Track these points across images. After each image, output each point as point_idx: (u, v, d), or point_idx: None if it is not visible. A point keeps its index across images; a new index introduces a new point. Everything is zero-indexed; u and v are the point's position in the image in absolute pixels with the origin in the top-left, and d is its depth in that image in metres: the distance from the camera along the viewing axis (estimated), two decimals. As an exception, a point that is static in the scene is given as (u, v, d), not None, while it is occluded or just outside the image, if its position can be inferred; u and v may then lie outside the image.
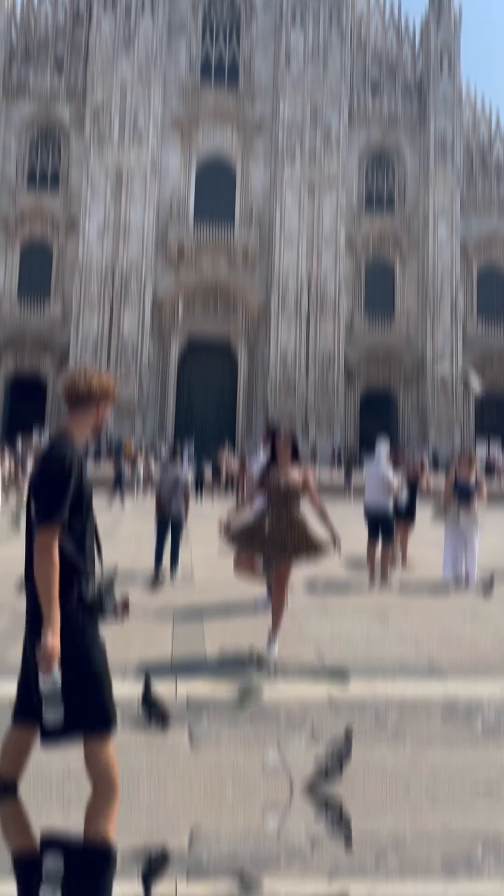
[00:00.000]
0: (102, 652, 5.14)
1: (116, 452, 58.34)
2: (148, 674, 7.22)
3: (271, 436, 10.50)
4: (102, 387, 5.31)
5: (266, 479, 10.09)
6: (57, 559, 4.85)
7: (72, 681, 4.92)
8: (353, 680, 8.76)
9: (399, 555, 18.00)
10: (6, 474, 24.96)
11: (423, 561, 18.59)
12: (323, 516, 10.03)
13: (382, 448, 16.94)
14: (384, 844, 5.33)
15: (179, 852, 5.05)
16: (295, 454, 10.18)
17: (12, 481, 25.03)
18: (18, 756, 5.29)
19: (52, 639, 4.83)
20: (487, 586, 14.31)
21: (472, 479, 16.40)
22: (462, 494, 16.24)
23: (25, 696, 5.18)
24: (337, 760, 6.02)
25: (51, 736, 5.03)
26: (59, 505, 4.90)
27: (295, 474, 9.98)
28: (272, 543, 9.70)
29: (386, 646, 10.47)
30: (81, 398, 5.29)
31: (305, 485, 9.97)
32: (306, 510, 10.19)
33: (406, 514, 18.39)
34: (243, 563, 10.35)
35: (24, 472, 24.55)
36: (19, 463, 24.89)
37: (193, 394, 66.65)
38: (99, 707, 5.07)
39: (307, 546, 9.73)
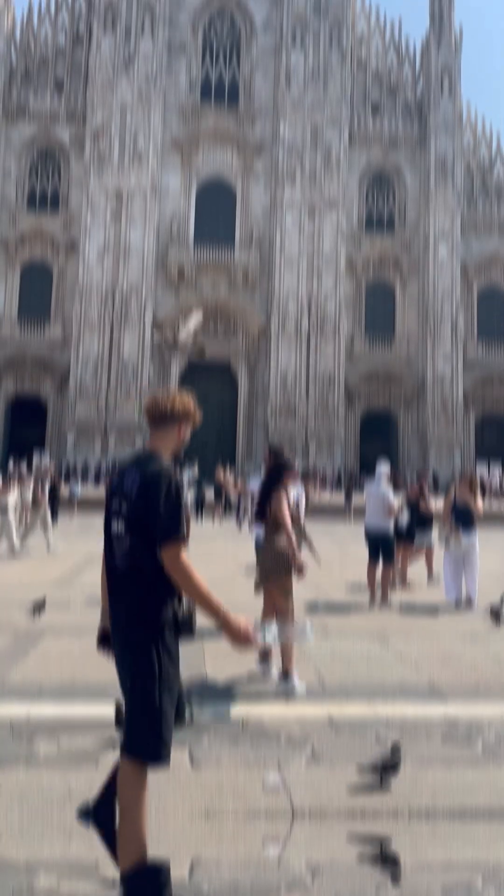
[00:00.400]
0: (177, 675, 5.16)
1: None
2: (119, 700, 7.24)
3: (273, 456, 10.49)
4: (184, 407, 5.46)
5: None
6: (192, 567, 4.91)
7: (142, 698, 4.94)
8: (353, 701, 8.76)
9: (399, 576, 18.02)
10: (24, 497, 25.08)
11: (423, 581, 18.62)
12: (304, 536, 10.29)
13: (383, 469, 16.96)
14: (384, 874, 5.34)
15: (180, 880, 5.04)
16: (275, 481, 10.03)
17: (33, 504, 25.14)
18: None
19: (234, 624, 5.00)
20: (496, 614, 14.03)
21: (474, 501, 16.40)
22: (460, 516, 16.26)
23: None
24: (386, 774, 6.05)
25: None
26: (180, 520, 4.98)
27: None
28: (260, 572, 9.97)
29: (386, 667, 10.46)
30: (164, 418, 5.41)
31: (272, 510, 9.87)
32: (314, 531, 10.51)
33: (406, 536, 18.39)
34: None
35: (44, 494, 24.57)
36: (40, 485, 24.92)
37: (194, 416, 66.74)
38: (153, 739, 4.92)
39: (277, 567, 9.70)
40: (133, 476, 5.08)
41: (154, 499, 4.93)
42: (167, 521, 4.90)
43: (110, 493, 5.17)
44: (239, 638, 4.97)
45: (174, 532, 4.90)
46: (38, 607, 12.20)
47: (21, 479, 26.19)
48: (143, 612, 4.95)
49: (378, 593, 15.83)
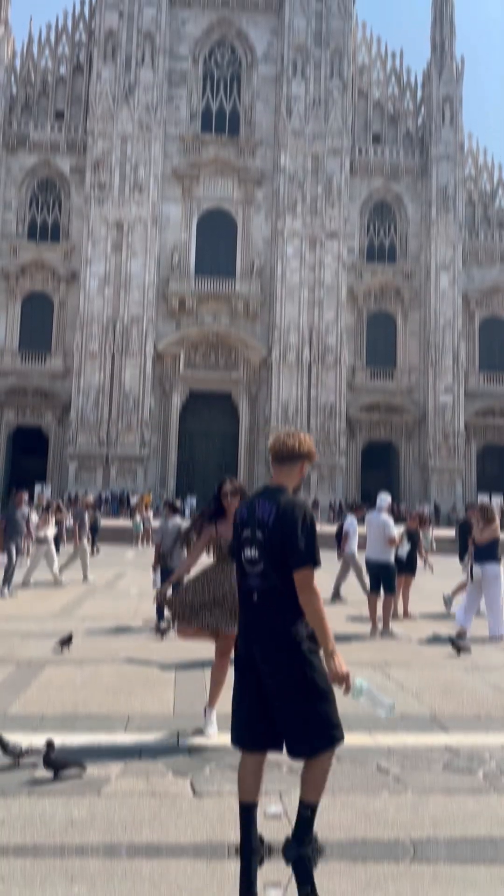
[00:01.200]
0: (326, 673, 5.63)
1: (121, 503, 58.45)
2: (50, 740, 7.27)
3: (217, 487, 9.27)
4: (308, 447, 5.95)
5: (205, 535, 9.24)
6: (319, 593, 5.50)
7: (307, 700, 5.52)
8: (354, 730, 8.77)
9: (402, 607, 18.04)
10: (62, 529, 25.35)
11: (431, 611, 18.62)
12: None
13: (384, 500, 17.01)
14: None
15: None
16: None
17: (71, 537, 25.28)
18: (258, 780, 5.67)
19: (338, 661, 5.58)
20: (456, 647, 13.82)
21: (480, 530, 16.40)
22: (478, 548, 16.27)
23: (263, 727, 5.64)
24: None
25: (301, 753, 5.61)
26: (316, 548, 5.51)
27: None
28: (220, 609, 8.74)
29: (388, 696, 10.47)
30: (291, 457, 5.90)
31: None
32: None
33: (406, 567, 18.37)
34: (190, 633, 9.04)
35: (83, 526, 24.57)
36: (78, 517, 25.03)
37: (195, 445, 66.82)
38: (333, 724, 5.64)
39: None
40: (267, 508, 5.62)
41: (291, 528, 5.47)
42: (304, 549, 5.44)
43: (240, 524, 5.76)
44: (338, 677, 5.55)
45: (310, 559, 5.45)
46: (65, 642, 12.43)
47: (59, 511, 26.37)
48: (281, 627, 5.50)
49: (379, 624, 15.84)
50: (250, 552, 5.60)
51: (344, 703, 9.80)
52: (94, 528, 33.35)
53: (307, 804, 5.57)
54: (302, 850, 5.37)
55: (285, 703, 5.54)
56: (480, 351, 71.13)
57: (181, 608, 8.73)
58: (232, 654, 7.72)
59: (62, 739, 8.13)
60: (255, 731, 5.66)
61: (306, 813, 5.55)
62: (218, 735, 8.03)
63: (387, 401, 68.27)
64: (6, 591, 19.76)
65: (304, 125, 67.25)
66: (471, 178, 73.23)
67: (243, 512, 5.82)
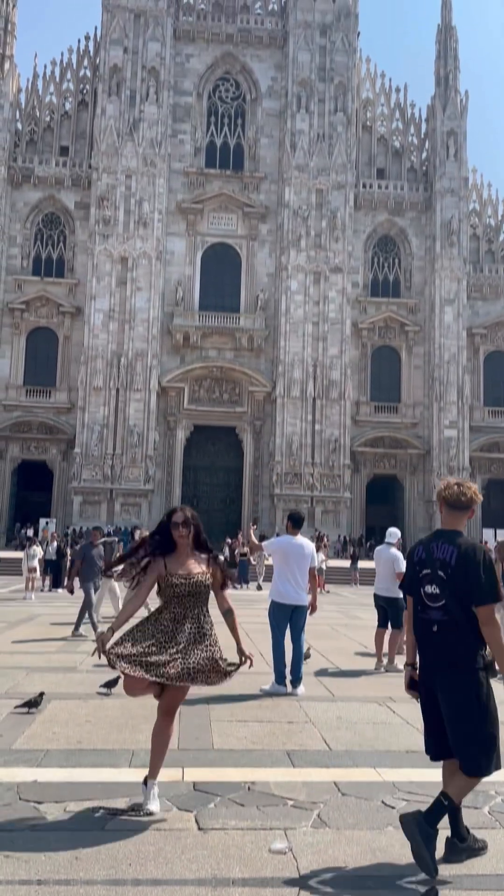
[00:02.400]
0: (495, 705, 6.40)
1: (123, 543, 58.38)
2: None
3: (167, 515, 7.79)
4: (476, 496, 6.57)
5: (152, 572, 7.61)
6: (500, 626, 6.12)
7: (480, 723, 6.26)
8: (359, 766, 8.74)
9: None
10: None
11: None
12: (230, 624, 7.77)
13: (394, 535, 17.00)
14: None
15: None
16: (199, 542, 7.71)
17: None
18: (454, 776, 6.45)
19: None
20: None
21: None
22: None
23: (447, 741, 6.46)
24: None
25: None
26: (498, 585, 6.19)
27: (199, 567, 7.54)
28: (168, 662, 7.30)
29: (392, 731, 10.42)
30: (464, 505, 6.54)
31: (215, 582, 7.64)
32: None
33: None
34: (140, 688, 7.55)
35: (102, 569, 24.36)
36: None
37: (199, 480, 66.89)
38: (498, 750, 6.40)
39: (214, 670, 7.42)
40: (448, 549, 6.32)
41: (474, 568, 6.18)
42: (487, 587, 6.14)
43: (418, 563, 6.51)
44: None
45: (493, 596, 6.13)
46: (32, 704, 10.95)
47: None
48: (463, 656, 6.20)
49: (384, 658, 15.80)
50: (431, 589, 6.31)
51: (351, 738, 9.81)
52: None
53: (447, 797, 6.28)
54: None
55: (459, 725, 6.26)
56: (485, 385, 71.19)
57: (126, 660, 7.28)
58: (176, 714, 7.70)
59: (67, 775, 8.11)
60: (441, 745, 6.50)
61: (443, 801, 6.26)
62: (160, 809, 7.45)
63: (391, 435, 68.34)
64: (80, 631, 19.27)
65: (309, 160, 67.63)
66: (475, 213, 73.52)
67: (420, 552, 6.55)
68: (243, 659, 7.69)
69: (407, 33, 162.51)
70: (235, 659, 7.67)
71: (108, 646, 7.30)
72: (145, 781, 7.24)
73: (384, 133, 73.03)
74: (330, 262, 66.88)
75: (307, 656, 16.09)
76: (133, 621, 7.59)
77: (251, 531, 17.43)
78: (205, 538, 7.78)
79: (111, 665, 7.31)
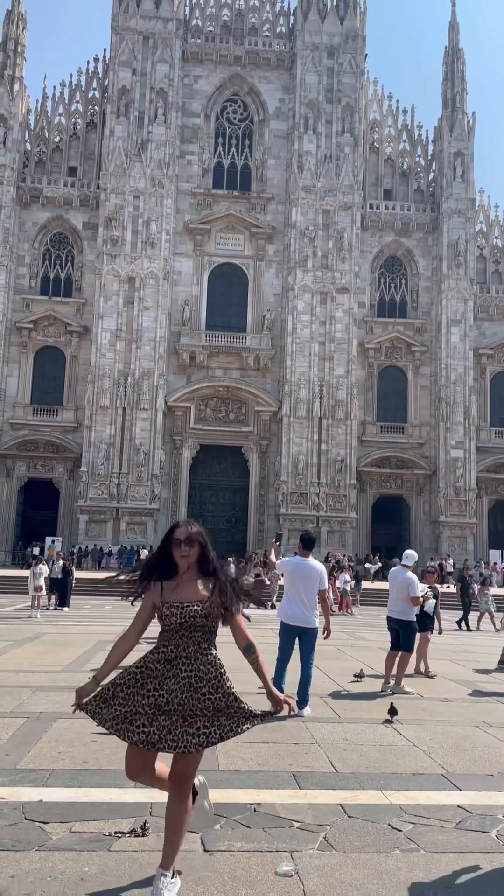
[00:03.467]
0: None
1: (128, 560, 58.38)
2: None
3: (169, 531, 6.54)
4: None
5: (147, 601, 6.36)
6: None
7: None
8: (365, 788, 8.71)
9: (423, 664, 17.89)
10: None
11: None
12: (252, 663, 6.46)
13: (410, 557, 16.93)
14: None
15: None
16: (206, 564, 6.33)
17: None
18: None
19: None
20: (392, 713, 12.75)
21: None
22: None
23: None
24: None
25: None
26: None
27: (200, 594, 6.16)
28: (167, 715, 5.92)
29: (399, 754, 10.39)
30: None
31: (227, 613, 6.20)
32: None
33: (429, 623, 18.23)
34: (138, 764, 6.16)
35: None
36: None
37: (205, 499, 66.88)
38: None
39: (238, 715, 6.04)
40: None
41: None
42: None
43: None
44: None
45: None
46: None
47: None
48: None
49: (392, 680, 15.75)
50: None
51: (357, 760, 9.77)
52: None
53: None
54: None
55: None
56: (492, 406, 71.14)
57: (110, 721, 5.97)
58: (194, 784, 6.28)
59: (72, 795, 8.09)
60: None
61: None
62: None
63: (397, 455, 68.27)
64: None
65: (316, 181, 67.82)
66: (482, 234, 73.60)
67: None
68: (276, 707, 6.35)
69: (414, 55, 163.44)
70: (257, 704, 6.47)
71: (85, 700, 6.08)
72: (159, 876, 5.75)
73: (391, 154, 73.25)
74: (336, 283, 66.98)
75: (361, 677, 16.19)
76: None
77: (273, 548, 17.27)
78: (212, 559, 6.37)
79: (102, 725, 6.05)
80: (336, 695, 14.84)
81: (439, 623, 19.00)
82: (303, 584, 13.33)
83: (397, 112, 74.18)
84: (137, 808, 7.66)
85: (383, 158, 72.94)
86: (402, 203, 71.37)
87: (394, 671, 15.89)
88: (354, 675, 16.66)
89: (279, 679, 13.13)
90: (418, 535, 67.61)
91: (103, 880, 6.09)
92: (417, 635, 17.87)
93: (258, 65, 70.87)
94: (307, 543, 13.79)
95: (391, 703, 12.05)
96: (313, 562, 13.55)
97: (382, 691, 15.39)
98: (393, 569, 17.18)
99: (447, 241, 69.25)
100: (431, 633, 18.54)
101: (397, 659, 15.96)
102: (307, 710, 12.84)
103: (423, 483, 68.51)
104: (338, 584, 39.63)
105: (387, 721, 12.08)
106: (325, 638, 13.65)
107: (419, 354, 69.58)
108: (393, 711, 11.89)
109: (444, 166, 70.68)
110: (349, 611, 39.40)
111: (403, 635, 16.01)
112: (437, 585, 19.47)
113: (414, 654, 17.33)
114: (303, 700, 12.96)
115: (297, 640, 13.37)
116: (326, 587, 13.63)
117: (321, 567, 13.59)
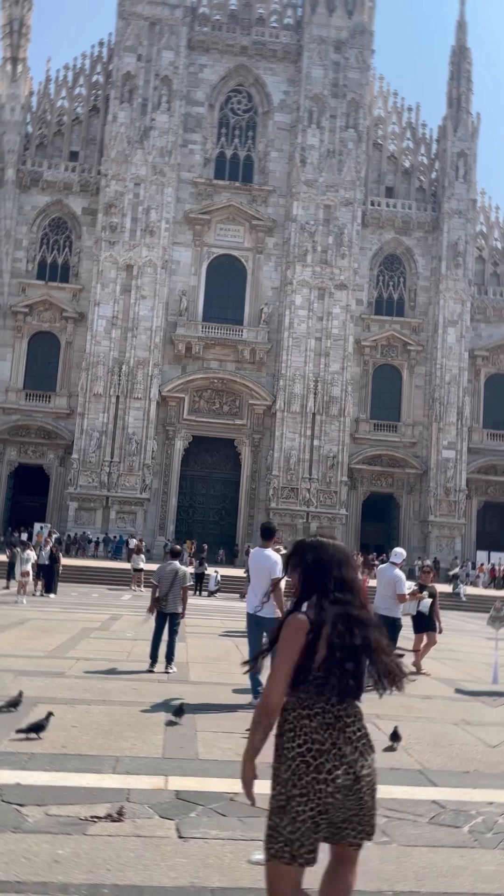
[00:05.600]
0: None
1: (116, 549, 58.36)
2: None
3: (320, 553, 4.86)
4: None
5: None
6: None
7: None
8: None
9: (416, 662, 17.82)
10: None
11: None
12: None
13: (399, 555, 17.05)
14: None
15: None
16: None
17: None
18: None
19: None
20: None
21: None
22: None
23: None
24: None
25: None
26: None
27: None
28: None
29: (377, 749, 10.43)
30: None
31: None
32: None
33: (429, 623, 18.14)
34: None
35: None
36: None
37: (196, 490, 66.82)
38: None
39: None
40: None
41: None
42: None
43: None
44: None
45: None
46: (12, 704, 11.15)
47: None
48: None
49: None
50: None
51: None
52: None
53: None
54: None
55: None
56: (485, 408, 71.04)
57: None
58: None
59: (50, 779, 8.13)
60: None
61: None
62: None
63: (389, 454, 68.26)
64: None
65: (318, 175, 67.55)
66: (482, 235, 73.48)
67: None
68: None
69: (421, 53, 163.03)
70: None
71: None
72: None
73: (394, 151, 72.99)
74: (335, 279, 66.85)
75: None
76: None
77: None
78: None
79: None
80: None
81: (439, 622, 18.91)
82: (257, 574, 13.52)
83: (402, 109, 73.95)
84: (115, 793, 7.69)
85: (386, 155, 72.73)
86: (404, 201, 71.17)
87: None
88: None
89: (253, 677, 13.04)
90: (407, 533, 67.64)
91: (77, 863, 6.12)
92: (424, 635, 17.94)
93: (264, 56, 70.49)
94: (264, 533, 13.98)
95: (395, 727, 11.48)
96: (268, 552, 13.62)
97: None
98: (381, 566, 17.26)
99: (447, 241, 69.14)
100: (437, 633, 18.47)
101: None
102: None
103: (414, 482, 68.52)
104: None
105: (388, 748, 10.87)
106: None
107: (415, 354, 69.47)
108: (396, 737, 10.92)
109: (446, 166, 70.50)
110: None
111: (389, 632, 16.03)
112: (435, 584, 19.49)
113: (417, 652, 17.39)
114: (257, 692, 12.91)
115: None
116: (279, 576, 13.50)
117: (275, 557, 13.60)
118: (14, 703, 10.95)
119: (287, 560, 4.90)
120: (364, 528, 68.06)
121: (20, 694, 11.23)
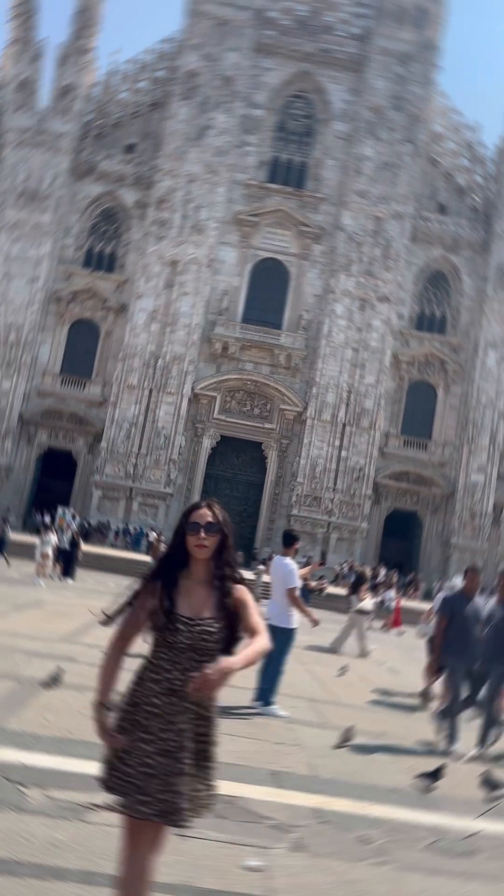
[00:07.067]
0: None
1: (135, 540, 58.53)
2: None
3: (185, 514, 5.07)
4: None
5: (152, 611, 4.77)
6: None
7: None
8: (342, 796, 8.74)
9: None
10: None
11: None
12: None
13: (457, 583, 17.01)
14: None
15: None
16: (221, 559, 4.90)
17: None
18: None
19: None
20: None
21: None
22: None
23: None
24: None
25: None
26: None
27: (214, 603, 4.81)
28: (153, 778, 4.66)
29: (380, 767, 10.41)
30: None
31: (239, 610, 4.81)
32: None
33: None
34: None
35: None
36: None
37: (219, 490, 66.61)
38: None
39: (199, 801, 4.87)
40: None
41: None
42: None
43: None
44: None
45: None
46: (54, 679, 11.73)
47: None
48: None
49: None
50: None
51: (338, 768, 9.80)
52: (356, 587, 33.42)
53: None
54: None
55: None
56: (519, 433, 70.28)
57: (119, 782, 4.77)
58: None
59: (54, 762, 8.16)
60: None
61: None
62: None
63: (417, 471, 67.85)
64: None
65: (371, 186, 67.18)
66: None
67: None
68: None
69: (486, 73, 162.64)
70: None
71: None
72: None
73: (449, 169, 72.56)
74: (378, 291, 66.60)
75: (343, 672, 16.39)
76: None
77: (312, 568, 17.26)
78: (231, 557, 4.97)
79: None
80: (325, 700, 14.86)
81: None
82: (275, 582, 13.55)
83: (461, 128, 73.54)
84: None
85: (441, 172, 72.36)
86: (455, 219, 70.82)
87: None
88: (340, 669, 16.89)
89: (265, 683, 13.00)
90: (428, 554, 67.21)
91: (73, 849, 6.15)
92: None
93: (328, 63, 70.19)
94: (285, 540, 13.96)
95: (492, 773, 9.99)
96: (287, 560, 13.62)
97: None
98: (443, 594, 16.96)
99: (496, 263, 68.65)
100: None
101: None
102: (275, 709, 12.72)
103: (440, 503, 68.05)
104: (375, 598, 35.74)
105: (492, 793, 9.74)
106: (313, 626, 13.83)
107: (452, 373, 69.02)
108: (492, 784, 9.65)
109: (501, 188, 70.07)
110: (399, 626, 37.24)
111: None
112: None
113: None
114: (262, 697, 12.88)
115: None
116: (295, 585, 13.54)
117: (291, 566, 13.58)
118: (56, 679, 11.48)
119: None
120: (384, 543, 67.69)
121: (59, 669, 11.71)
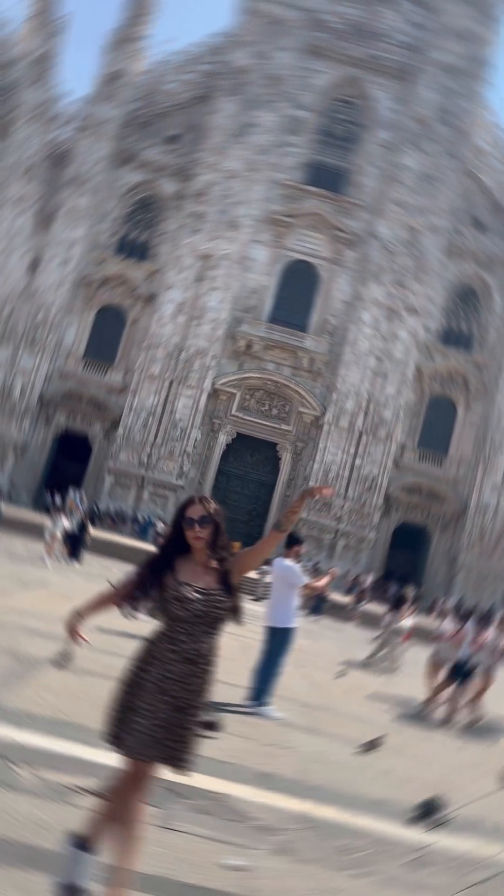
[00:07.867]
0: None
1: (143, 529, 58.60)
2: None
3: (180, 508, 5.75)
4: None
5: (152, 587, 5.62)
6: None
7: None
8: (330, 804, 8.72)
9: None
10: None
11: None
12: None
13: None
14: None
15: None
16: (216, 545, 5.64)
17: None
18: None
19: None
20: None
21: None
22: None
23: None
24: None
25: None
26: None
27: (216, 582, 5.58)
28: (165, 730, 5.37)
29: (370, 779, 10.36)
30: None
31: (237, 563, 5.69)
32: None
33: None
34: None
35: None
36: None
37: (231, 487, 66.73)
38: None
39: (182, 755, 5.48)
40: None
41: None
42: None
43: None
44: None
45: None
46: (65, 658, 11.43)
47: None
48: None
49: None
50: None
51: (324, 775, 9.79)
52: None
53: None
54: None
55: None
56: (538, 457, 70.10)
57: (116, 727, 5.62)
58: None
59: (46, 743, 8.18)
60: None
61: None
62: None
63: (430, 486, 67.72)
64: None
65: (410, 197, 67.04)
66: None
67: None
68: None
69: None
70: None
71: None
72: None
73: (490, 186, 72.35)
74: (407, 302, 66.46)
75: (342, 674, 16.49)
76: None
77: (329, 576, 17.15)
78: (224, 541, 5.71)
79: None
80: (320, 706, 14.83)
81: None
82: (275, 583, 13.57)
83: (504, 145, 73.26)
84: (106, 770, 7.73)
85: (480, 187, 72.10)
86: (492, 237, 70.63)
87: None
88: (338, 672, 16.97)
89: (260, 684, 13.01)
90: (433, 570, 67.04)
91: (59, 831, 6.16)
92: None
93: (377, 70, 69.98)
94: (288, 542, 13.90)
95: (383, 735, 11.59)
96: (287, 562, 13.62)
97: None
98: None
99: (528, 283, 68.52)
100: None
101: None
102: (269, 710, 12.71)
103: (450, 520, 67.88)
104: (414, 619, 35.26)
105: (368, 747, 11.81)
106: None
107: (474, 391, 68.89)
108: (373, 745, 11.44)
109: (541, 211, 69.87)
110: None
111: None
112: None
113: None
114: (257, 697, 12.86)
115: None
116: (302, 583, 13.68)
117: (292, 566, 13.57)
118: (66, 657, 11.38)
119: None
120: (391, 555, 67.60)
121: (70, 648, 11.55)
